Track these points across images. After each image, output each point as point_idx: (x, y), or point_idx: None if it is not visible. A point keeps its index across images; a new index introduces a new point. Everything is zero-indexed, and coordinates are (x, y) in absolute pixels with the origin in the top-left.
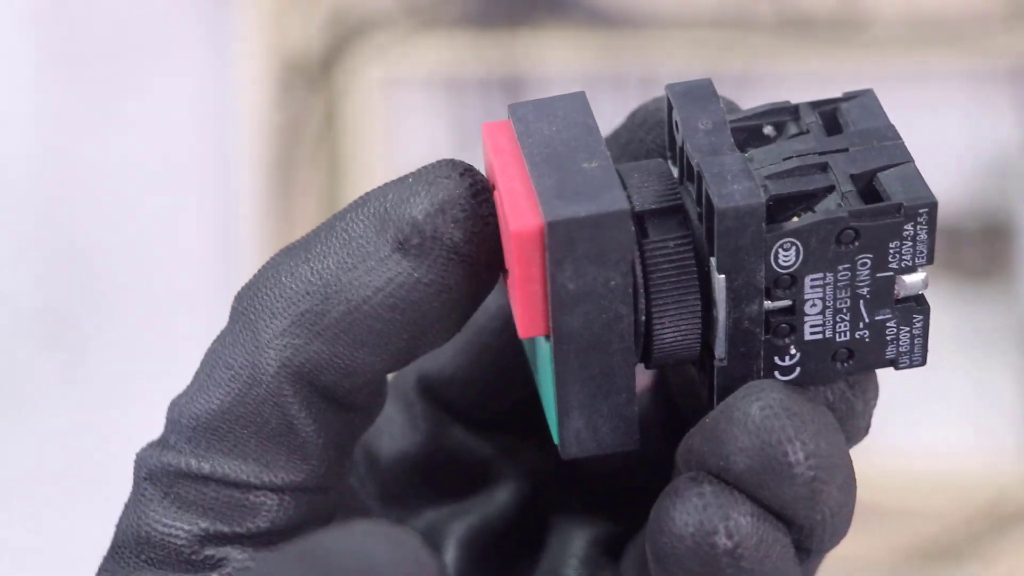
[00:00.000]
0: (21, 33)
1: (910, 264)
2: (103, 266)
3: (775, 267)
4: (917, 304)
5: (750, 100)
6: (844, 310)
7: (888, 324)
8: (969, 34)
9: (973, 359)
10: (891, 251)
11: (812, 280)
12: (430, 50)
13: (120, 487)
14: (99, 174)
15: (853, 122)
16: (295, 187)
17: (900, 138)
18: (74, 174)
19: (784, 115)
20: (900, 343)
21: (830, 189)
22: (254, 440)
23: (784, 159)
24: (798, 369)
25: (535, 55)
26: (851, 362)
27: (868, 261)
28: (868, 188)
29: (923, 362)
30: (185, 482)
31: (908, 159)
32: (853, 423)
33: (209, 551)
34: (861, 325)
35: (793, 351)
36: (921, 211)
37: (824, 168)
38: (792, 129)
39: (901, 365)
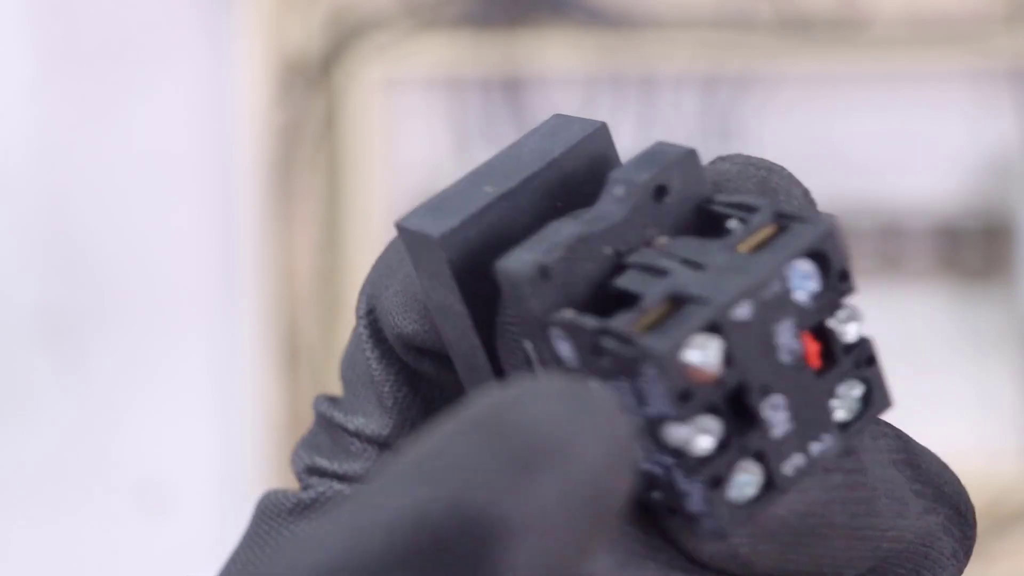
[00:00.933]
0: (22, 34)
1: (668, 412)
2: (103, 266)
3: (559, 357)
4: (686, 460)
5: (750, 100)
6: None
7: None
8: (969, 34)
9: (973, 359)
10: (645, 389)
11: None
12: (430, 50)
13: (120, 487)
14: (99, 174)
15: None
16: (295, 187)
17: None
18: (75, 175)
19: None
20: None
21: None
22: (358, 387)
23: (682, 259)
24: None
25: (535, 55)
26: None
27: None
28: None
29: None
30: (319, 420)
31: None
32: None
33: (313, 480)
34: (653, 459)
35: None
36: (653, 364)
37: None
38: (737, 232)
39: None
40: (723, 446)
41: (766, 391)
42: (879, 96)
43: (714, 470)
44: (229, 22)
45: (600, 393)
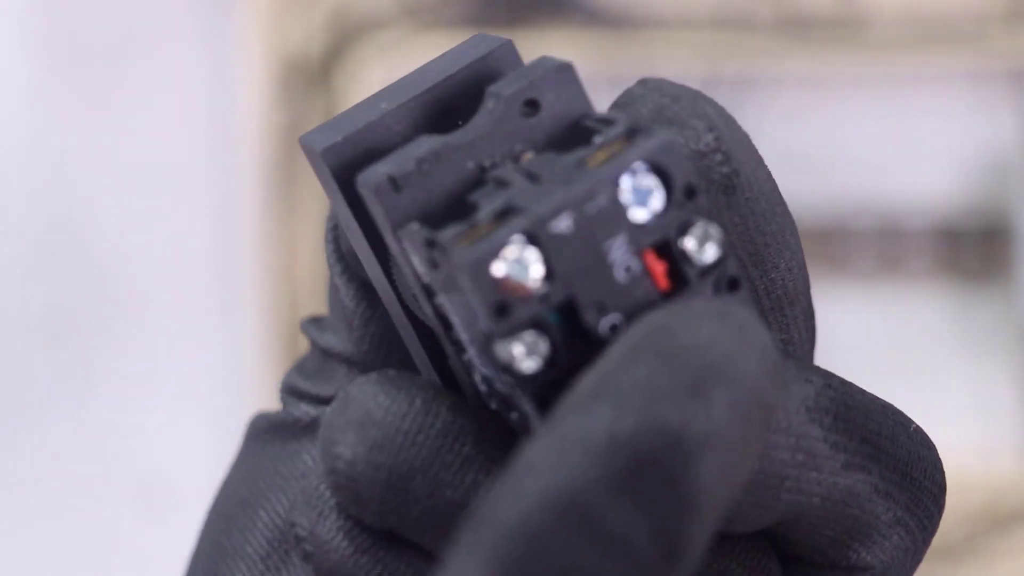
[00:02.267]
0: (21, 35)
1: (488, 326)
2: (103, 266)
3: (415, 270)
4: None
5: (750, 100)
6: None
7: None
8: (969, 34)
9: (972, 360)
10: (469, 303)
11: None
12: (430, 51)
13: (121, 487)
14: (99, 175)
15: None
16: (295, 187)
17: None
18: (75, 175)
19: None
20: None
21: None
22: (331, 306)
23: (527, 173)
24: (484, 387)
25: (535, 55)
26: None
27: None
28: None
29: None
30: (310, 343)
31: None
32: None
33: (291, 400)
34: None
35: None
36: (463, 275)
37: (504, 186)
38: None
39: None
40: (552, 363)
41: (601, 309)
42: (879, 96)
43: (540, 391)
44: (229, 22)
45: (746, 311)
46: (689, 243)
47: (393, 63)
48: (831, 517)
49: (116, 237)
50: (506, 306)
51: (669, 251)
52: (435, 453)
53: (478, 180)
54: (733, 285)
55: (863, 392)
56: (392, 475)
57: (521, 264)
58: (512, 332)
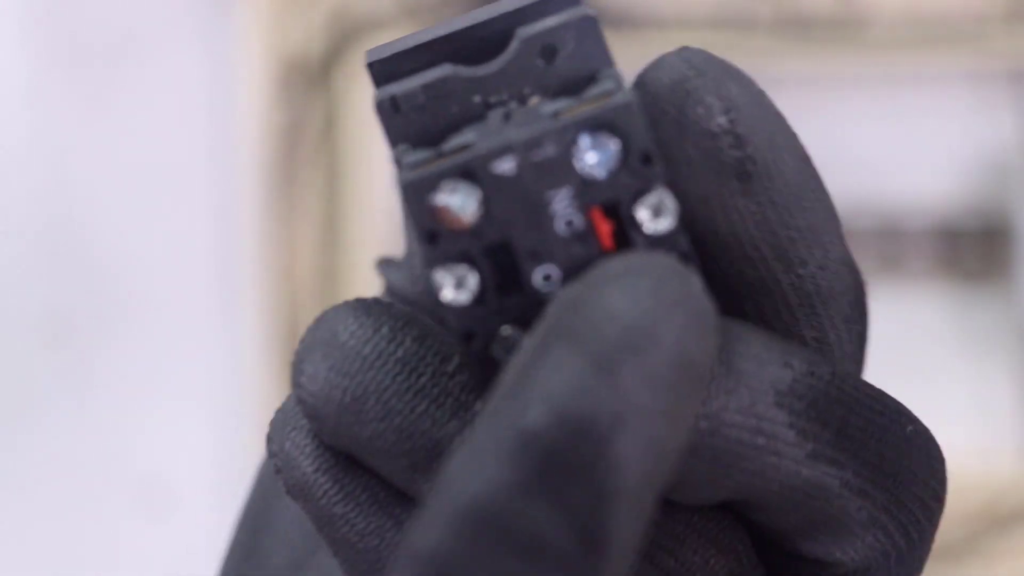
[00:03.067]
0: (21, 35)
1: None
2: (103, 266)
3: None
4: None
5: None
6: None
7: None
8: (969, 34)
9: (972, 360)
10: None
11: None
12: None
13: (121, 487)
14: (99, 175)
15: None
16: (295, 187)
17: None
18: (75, 175)
19: None
20: None
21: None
22: (406, 247)
23: (505, 114)
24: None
25: None
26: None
27: None
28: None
29: None
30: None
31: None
32: None
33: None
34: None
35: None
36: (401, 195)
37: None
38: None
39: None
40: (480, 302)
41: (536, 258)
42: (878, 96)
43: (466, 324)
44: (229, 22)
45: (664, 260)
46: (642, 210)
47: None
48: (793, 506)
49: (116, 237)
50: (437, 235)
51: (618, 214)
52: (390, 380)
53: (481, 115)
54: (682, 260)
55: (863, 387)
56: (347, 396)
57: (457, 196)
58: (443, 261)
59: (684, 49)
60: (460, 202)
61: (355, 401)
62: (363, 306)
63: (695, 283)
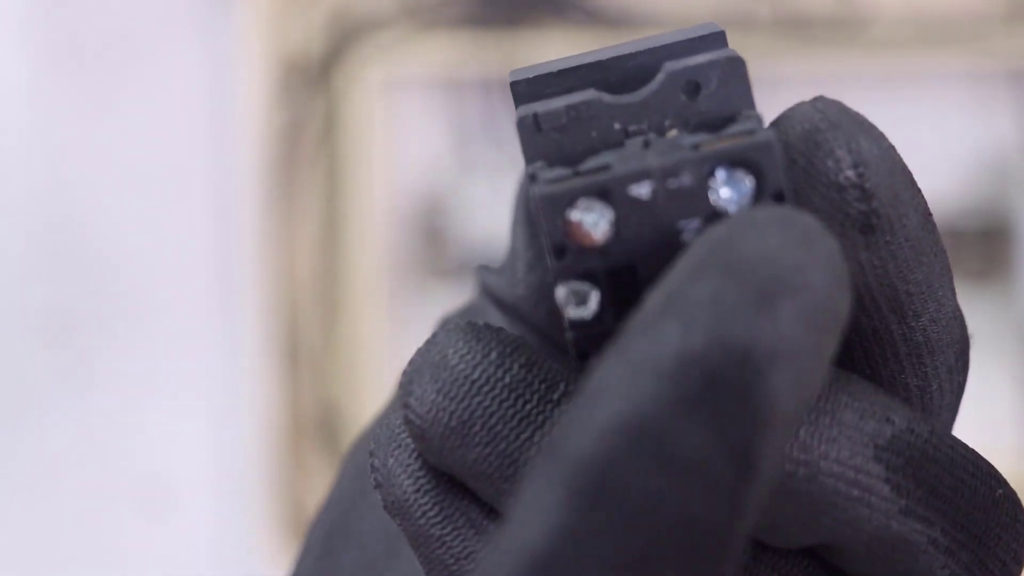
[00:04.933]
0: (21, 35)
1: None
2: (103, 266)
3: None
4: None
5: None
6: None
7: None
8: (969, 34)
9: (972, 360)
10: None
11: None
12: (430, 51)
13: (121, 487)
14: (99, 175)
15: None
16: (295, 187)
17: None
18: (75, 175)
19: None
20: None
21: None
22: (509, 251)
23: (645, 142)
24: None
25: (535, 55)
26: None
27: None
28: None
29: None
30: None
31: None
32: None
33: None
34: None
35: None
36: (536, 206)
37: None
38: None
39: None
40: (600, 320)
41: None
42: (879, 96)
43: (583, 342)
44: (229, 22)
45: (808, 218)
46: None
47: (393, 63)
48: (879, 558)
49: (116, 237)
50: (566, 250)
51: None
52: (497, 405)
53: (619, 142)
54: None
55: (958, 447)
56: (454, 419)
57: (592, 215)
58: (568, 277)
59: (819, 99)
60: (593, 220)
61: (462, 425)
62: (474, 330)
63: (834, 243)
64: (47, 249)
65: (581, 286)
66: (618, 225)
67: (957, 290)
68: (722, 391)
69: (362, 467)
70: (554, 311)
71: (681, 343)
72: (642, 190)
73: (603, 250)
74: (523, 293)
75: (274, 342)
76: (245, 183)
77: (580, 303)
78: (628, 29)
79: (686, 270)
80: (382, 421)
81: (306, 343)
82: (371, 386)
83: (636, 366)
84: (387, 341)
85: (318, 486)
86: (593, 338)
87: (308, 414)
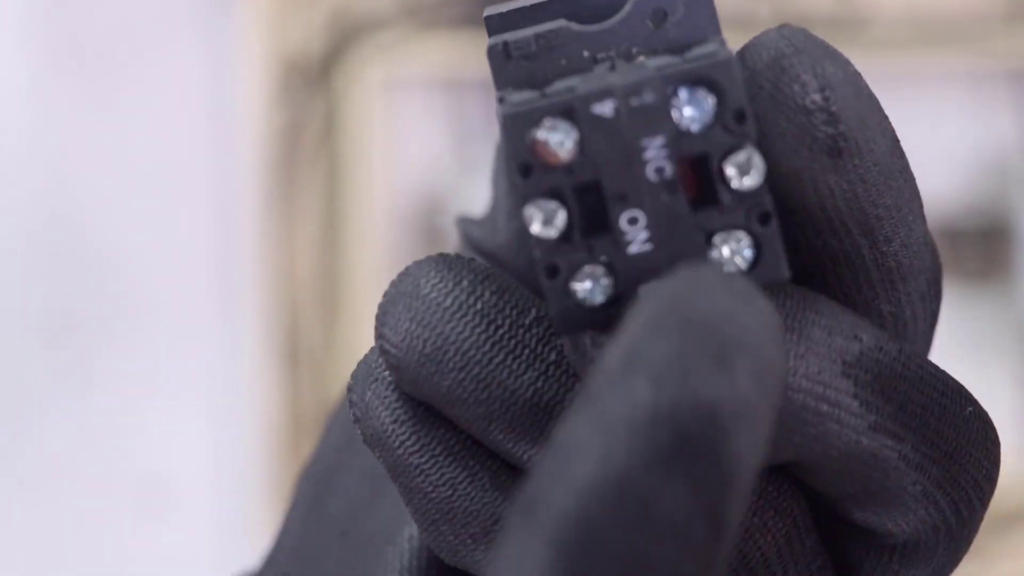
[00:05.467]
0: (21, 35)
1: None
2: (104, 266)
3: None
4: None
5: None
6: None
7: None
8: (969, 34)
9: (972, 359)
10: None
11: None
12: (430, 51)
13: (121, 487)
14: (100, 175)
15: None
16: (295, 187)
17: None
18: (75, 175)
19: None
20: None
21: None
22: (491, 200)
23: (611, 66)
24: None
25: None
26: None
27: None
28: None
29: None
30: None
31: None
32: None
33: None
34: None
35: None
36: (501, 126)
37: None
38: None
39: None
40: (567, 239)
41: (624, 201)
42: (879, 96)
43: (551, 258)
44: (229, 22)
45: (745, 281)
46: (730, 166)
47: (393, 63)
48: (850, 473)
49: (116, 237)
50: (532, 167)
51: (706, 167)
52: (470, 331)
53: (588, 69)
54: (764, 219)
55: (927, 366)
56: (428, 346)
57: (556, 133)
58: (535, 194)
59: (784, 26)
60: (558, 138)
61: (436, 351)
62: (445, 260)
63: (770, 305)
64: (47, 249)
65: (547, 204)
66: (583, 144)
67: (957, 290)
68: (693, 450)
69: (345, 419)
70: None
71: (652, 401)
72: (605, 108)
73: (568, 168)
74: (504, 241)
75: (274, 342)
76: (245, 183)
77: (547, 221)
78: None
79: (645, 327)
80: (361, 361)
81: (306, 343)
82: None
83: (609, 423)
84: None
85: None
86: (563, 254)
87: (308, 414)
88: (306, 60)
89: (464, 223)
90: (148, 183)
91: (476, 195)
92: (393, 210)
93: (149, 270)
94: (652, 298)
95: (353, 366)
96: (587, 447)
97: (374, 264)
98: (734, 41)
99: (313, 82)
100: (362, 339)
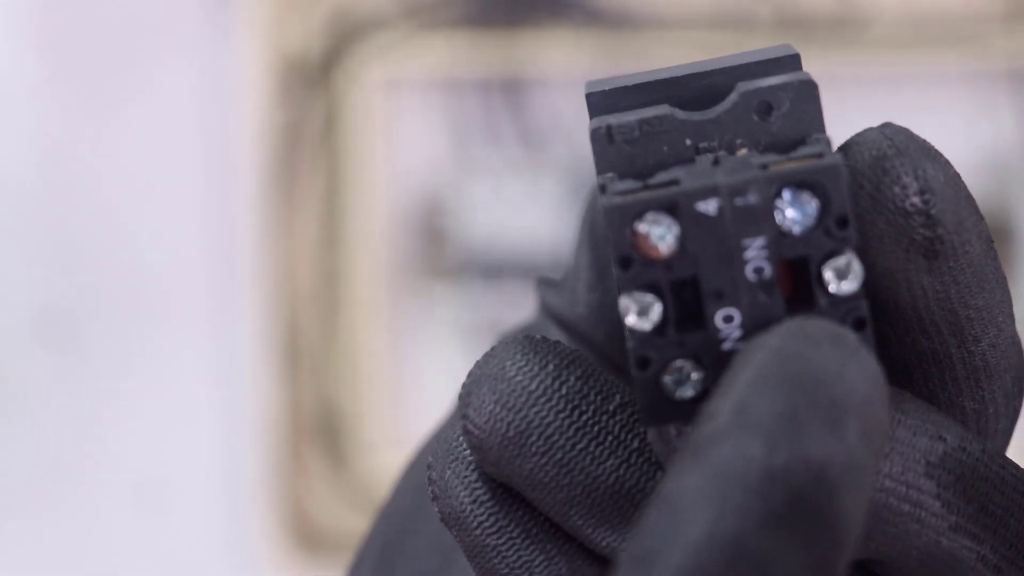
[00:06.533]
0: (22, 34)
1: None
2: (103, 264)
3: None
4: None
5: None
6: None
7: None
8: (969, 34)
9: None
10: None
11: None
12: (430, 51)
13: (120, 486)
14: (99, 175)
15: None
16: (295, 188)
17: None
18: (74, 175)
19: None
20: None
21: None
22: (570, 268)
23: (715, 160)
24: None
25: (535, 55)
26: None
27: None
28: None
29: None
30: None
31: None
32: None
33: None
34: None
35: None
36: (604, 217)
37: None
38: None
39: None
40: (661, 332)
41: (720, 298)
42: (878, 97)
43: (644, 351)
44: (228, 22)
45: (851, 334)
46: (829, 270)
47: (393, 63)
48: (928, 573)
49: (115, 237)
50: (631, 261)
51: (805, 270)
52: (554, 416)
53: (690, 158)
54: (859, 325)
55: (1009, 467)
56: (512, 429)
57: (659, 228)
58: (632, 288)
59: (887, 125)
60: (660, 233)
61: (519, 435)
62: (531, 343)
63: (875, 361)
64: (46, 250)
65: (644, 297)
66: (683, 239)
67: None
68: (805, 510)
69: (418, 482)
70: (614, 331)
71: (765, 458)
72: (709, 207)
73: (667, 263)
74: (583, 312)
75: (274, 342)
76: (245, 183)
77: (642, 313)
78: (628, 29)
79: (754, 382)
80: (440, 435)
81: (306, 343)
82: (371, 386)
83: (722, 479)
84: (387, 341)
85: (317, 486)
86: (655, 348)
87: (308, 414)
88: (306, 60)
89: (543, 287)
90: (147, 183)
91: (476, 195)
92: (393, 210)
93: (148, 270)
94: (760, 351)
95: (353, 366)
96: (700, 503)
97: (374, 264)
98: (734, 42)
99: (313, 82)
100: (362, 339)
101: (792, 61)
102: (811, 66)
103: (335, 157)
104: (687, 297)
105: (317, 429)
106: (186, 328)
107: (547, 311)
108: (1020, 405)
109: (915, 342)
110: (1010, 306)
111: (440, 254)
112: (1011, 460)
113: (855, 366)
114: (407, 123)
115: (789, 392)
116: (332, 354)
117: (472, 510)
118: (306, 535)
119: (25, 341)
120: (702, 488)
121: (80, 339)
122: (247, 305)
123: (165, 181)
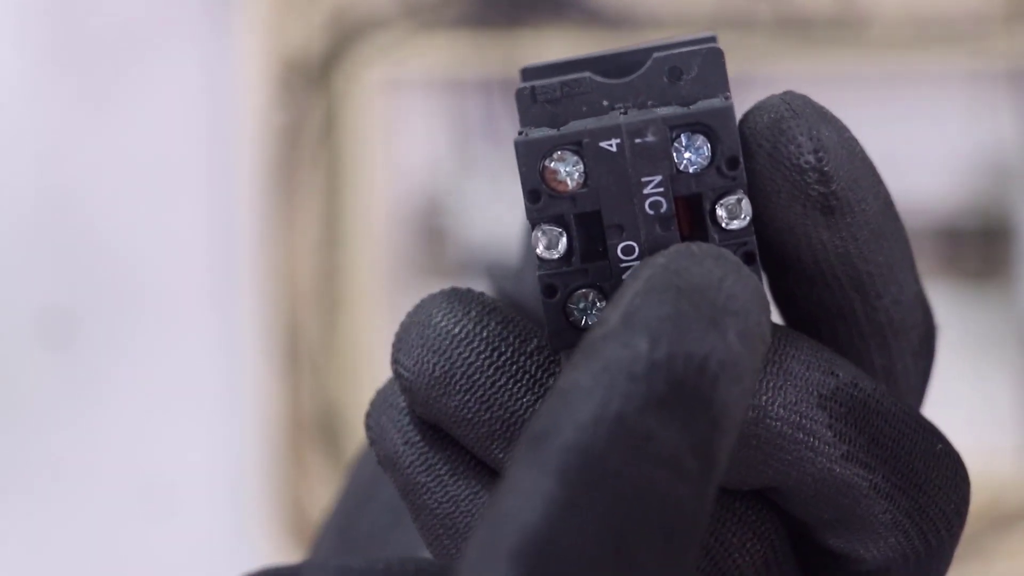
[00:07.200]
0: (21, 34)
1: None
2: (103, 265)
3: None
4: None
5: (749, 100)
6: None
7: None
8: (969, 34)
9: (971, 359)
10: None
11: None
12: (430, 51)
13: (120, 487)
14: (99, 175)
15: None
16: (295, 188)
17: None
18: (74, 175)
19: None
20: None
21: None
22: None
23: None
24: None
25: (535, 55)
26: None
27: None
28: None
29: None
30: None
31: None
32: None
33: None
34: None
35: None
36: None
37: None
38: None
39: None
40: (567, 262)
41: (620, 231)
42: (878, 96)
43: (550, 279)
44: (229, 22)
45: (735, 256)
46: (722, 207)
47: (393, 63)
48: (824, 500)
49: (115, 237)
50: (540, 194)
51: (699, 207)
52: (475, 356)
53: (604, 114)
54: (749, 258)
55: (900, 404)
56: (437, 369)
57: (565, 164)
58: (541, 221)
59: (788, 93)
60: (566, 169)
61: (444, 375)
62: (456, 293)
63: (756, 277)
64: (46, 250)
65: (552, 229)
66: (587, 176)
67: (957, 290)
68: (687, 396)
69: (366, 473)
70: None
71: (649, 352)
72: (611, 144)
73: (573, 197)
74: (528, 291)
75: (274, 342)
76: (245, 183)
77: (550, 245)
78: (628, 29)
79: (641, 291)
80: (378, 390)
81: (306, 343)
82: (371, 386)
83: (610, 371)
84: (387, 341)
85: (318, 486)
86: (562, 276)
87: (308, 414)
88: (306, 60)
89: (494, 272)
90: (148, 183)
91: (476, 195)
92: (393, 210)
93: (148, 270)
94: (648, 267)
95: (353, 366)
96: (589, 391)
97: (374, 264)
98: (732, 42)
99: (313, 82)
100: (362, 339)
101: (708, 41)
102: (811, 66)
103: (335, 157)
104: (592, 230)
105: (317, 429)
106: (186, 328)
107: (498, 292)
108: (930, 365)
109: (820, 297)
110: (913, 266)
111: (440, 254)
112: (903, 400)
113: (735, 277)
114: (407, 123)
115: (674, 298)
116: (332, 354)
117: (404, 451)
118: (306, 534)
119: (25, 341)
120: (592, 379)
121: (80, 339)
122: (247, 305)
123: (165, 181)
